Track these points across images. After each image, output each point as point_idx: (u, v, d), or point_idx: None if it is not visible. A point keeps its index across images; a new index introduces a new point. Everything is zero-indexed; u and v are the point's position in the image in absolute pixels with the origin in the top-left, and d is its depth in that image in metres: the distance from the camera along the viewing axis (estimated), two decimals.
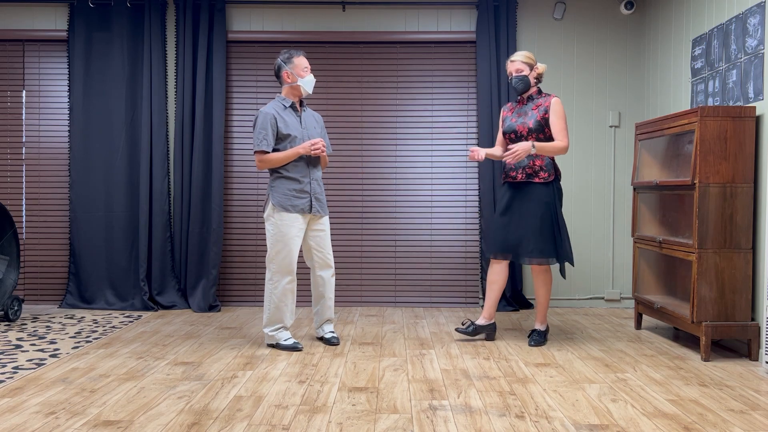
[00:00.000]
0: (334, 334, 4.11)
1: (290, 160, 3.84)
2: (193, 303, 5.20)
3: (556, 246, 3.96)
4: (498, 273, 4.10)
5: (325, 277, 4.04)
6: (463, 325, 4.22)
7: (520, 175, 4.03)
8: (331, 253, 4.14)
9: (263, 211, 3.90)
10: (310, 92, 3.97)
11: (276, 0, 5.36)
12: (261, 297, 5.42)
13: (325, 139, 4.11)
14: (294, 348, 3.90)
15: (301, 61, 3.91)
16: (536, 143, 3.91)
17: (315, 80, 4.00)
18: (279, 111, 3.89)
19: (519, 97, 4.13)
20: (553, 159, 4.04)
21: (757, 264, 3.75)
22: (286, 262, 3.84)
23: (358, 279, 5.43)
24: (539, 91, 4.09)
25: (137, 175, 5.32)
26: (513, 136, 4.08)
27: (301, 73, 3.91)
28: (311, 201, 3.91)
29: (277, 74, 3.95)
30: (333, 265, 4.07)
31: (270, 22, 5.41)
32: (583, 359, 3.72)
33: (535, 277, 4.09)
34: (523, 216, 3.99)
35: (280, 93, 3.97)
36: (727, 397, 3.05)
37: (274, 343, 3.95)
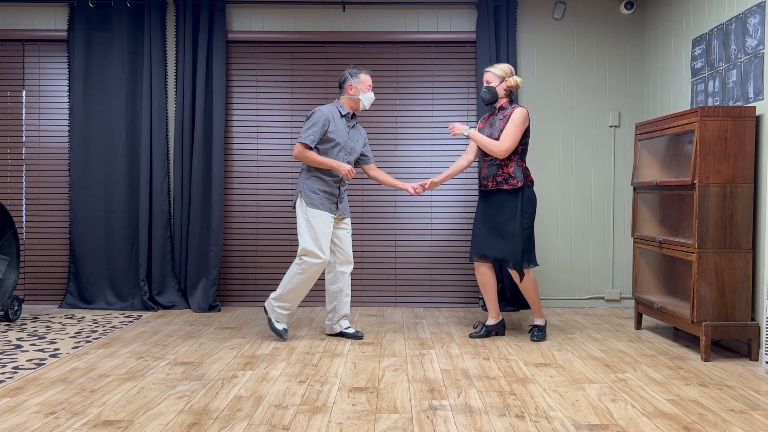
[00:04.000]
0: (354, 329, 4.31)
1: (324, 167, 4.03)
2: (193, 303, 5.20)
3: (521, 252, 4.04)
4: (484, 275, 4.27)
5: (345, 272, 4.24)
6: (475, 328, 4.33)
7: (490, 184, 4.14)
8: (352, 250, 4.33)
9: (293, 202, 4.15)
10: (367, 107, 4.27)
11: (276, 0, 5.36)
12: (261, 297, 5.43)
13: (368, 149, 4.34)
14: (280, 335, 4.13)
15: (367, 78, 4.17)
16: (471, 129, 4.10)
17: (375, 98, 4.25)
18: (334, 116, 4.11)
19: (492, 108, 4.23)
20: (523, 166, 4.11)
21: (757, 264, 3.75)
22: (322, 257, 4.03)
23: (358, 279, 5.43)
24: (510, 102, 4.17)
25: (137, 175, 5.32)
26: None
27: (365, 89, 4.17)
28: (338, 204, 4.16)
29: (341, 84, 4.19)
30: (353, 261, 4.30)
31: (270, 22, 5.41)
32: (583, 359, 3.72)
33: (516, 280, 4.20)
34: (495, 224, 4.12)
35: (338, 99, 4.23)
36: (727, 397, 3.05)
37: (271, 317, 4.15)
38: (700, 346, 3.71)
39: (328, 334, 4.32)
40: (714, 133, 3.72)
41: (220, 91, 5.26)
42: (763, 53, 3.71)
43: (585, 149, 5.41)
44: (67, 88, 5.42)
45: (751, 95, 3.82)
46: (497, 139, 4.07)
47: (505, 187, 4.06)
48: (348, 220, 4.27)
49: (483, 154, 4.21)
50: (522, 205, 4.04)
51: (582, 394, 3.08)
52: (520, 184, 4.04)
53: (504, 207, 4.08)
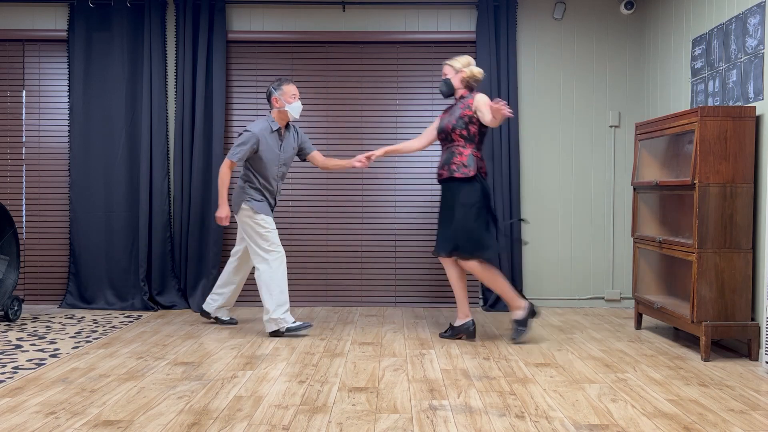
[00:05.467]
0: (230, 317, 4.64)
1: (219, 196, 4.24)
2: (193, 303, 5.20)
3: (466, 240, 4.00)
4: (448, 270, 4.21)
5: (249, 268, 4.52)
6: (445, 331, 4.26)
7: (444, 173, 4.10)
8: None
9: (236, 212, 4.30)
10: (297, 117, 4.32)
11: (276, 0, 5.36)
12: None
13: (307, 143, 4.52)
14: (305, 326, 4.24)
15: (289, 89, 4.26)
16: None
17: (302, 107, 4.44)
18: (265, 134, 4.25)
19: (454, 100, 4.20)
20: (477, 156, 4.07)
21: (757, 264, 3.75)
22: (281, 248, 4.26)
23: (358, 279, 5.43)
24: (470, 92, 4.14)
25: (137, 175, 5.32)
26: (443, 135, 4.16)
27: (289, 100, 4.26)
28: (272, 210, 4.39)
29: (268, 98, 4.30)
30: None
31: (270, 22, 5.41)
32: (583, 359, 3.72)
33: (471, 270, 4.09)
34: (448, 215, 4.08)
35: (269, 113, 4.37)
36: (727, 397, 3.05)
37: (282, 328, 4.21)
38: (700, 346, 3.71)
39: (202, 310, 4.59)
40: (714, 133, 3.72)
41: (220, 91, 5.26)
42: (763, 53, 3.71)
43: (585, 149, 5.41)
44: (67, 88, 5.42)
45: (751, 95, 3.82)
46: (455, 125, 4.05)
47: (457, 175, 4.02)
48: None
49: (443, 143, 4.18)
50: (470, 194, 4.00)
51: (582, 394, 3.08)
52: (471, 174, 4.00)
53: (455, 196, 4.04)
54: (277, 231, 4.39)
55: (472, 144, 4.08)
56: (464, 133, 4.06)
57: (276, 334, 4.25)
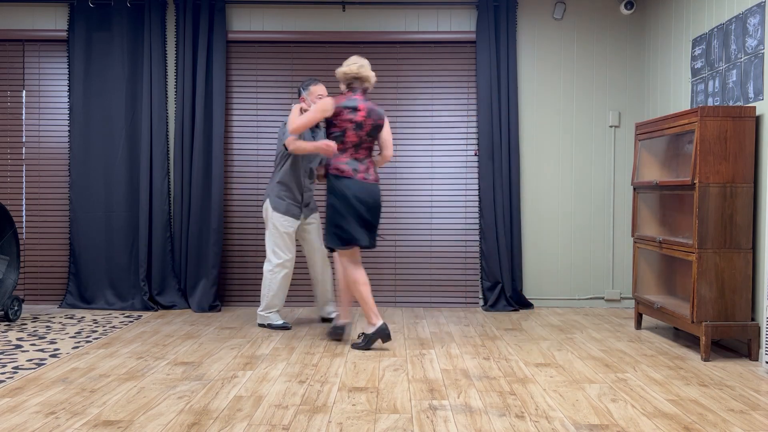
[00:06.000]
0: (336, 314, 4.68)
1: (313, 151, 4.07)
2: (193, 303, 5.20)
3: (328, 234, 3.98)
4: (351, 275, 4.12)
5: (316, 260, 4.61)
6: (358, 338, 4.09)
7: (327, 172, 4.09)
8: (319, 239, 4.66)
9: (262, 210, 4.51)
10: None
11: (276, 0, 5.36)
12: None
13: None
14: (283, 327, 4.48)
15: (317, 89, 4.44)
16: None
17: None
18: None
19: None
20: (343, 160, 3.95)
21: (757, 264, 3.75)
22: (288, 255, 4.44)
23: None
24: (353, 93, 4.00)
25: (137, 175, 5.32)
26: None
27: (315, 100, 4.43)
28: (301, 209, 4.51)
29: (298, 96, 4.51)
30: (321, 248, 4.64)
31: (270, 22, 5.41)
32: (583, 359, 3.72)
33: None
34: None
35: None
36: (727, 397, 3.05)
37: (266, 323, 4.54)
38: (700, 346, 3.71)
39: (320, 317, 4.80)
40: (714, 133, 3.72)
41: (220, 91, 5.26)
42: (763, 53, 3.71)
43: (585, 149, 5.41)
44: (67, 88, 5.42)
45: (751, 95, 3.82)
46: (320, 123, 4.14)
47: (330, 171, 3.97)
48: (313, 216, 4.61)
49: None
50: (331, 191, 3.94)
51: (582, 394, 3.08)
52: (332, 171, 3.93)
53: (328, 192, 3.99)
54: (293, 236, 4.46)
55: (340, 144, 3.95)
56: (328, 130, 4.01)
57: (262, 325, 4.57)
